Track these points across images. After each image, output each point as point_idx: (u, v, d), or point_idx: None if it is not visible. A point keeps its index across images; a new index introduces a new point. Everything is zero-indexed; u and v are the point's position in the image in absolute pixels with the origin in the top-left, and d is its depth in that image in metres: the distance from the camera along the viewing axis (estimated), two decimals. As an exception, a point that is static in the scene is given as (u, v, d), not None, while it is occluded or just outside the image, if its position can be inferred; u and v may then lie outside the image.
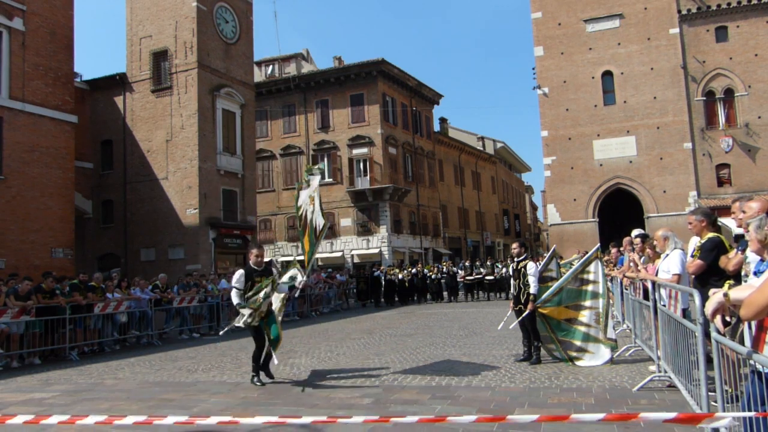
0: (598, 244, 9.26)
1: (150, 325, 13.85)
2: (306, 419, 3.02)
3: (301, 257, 8.21)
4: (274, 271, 7.93)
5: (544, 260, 10.20)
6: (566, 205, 33.39)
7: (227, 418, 3.14)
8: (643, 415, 2.46)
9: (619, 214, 32.37)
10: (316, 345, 11.58)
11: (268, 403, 6.44)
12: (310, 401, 6.43)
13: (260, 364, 7.56)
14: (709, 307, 3.00)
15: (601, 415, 2.46)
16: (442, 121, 47.66)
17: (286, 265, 8.27)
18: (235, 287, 7.49)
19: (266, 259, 8.10)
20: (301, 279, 8.05)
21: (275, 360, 7.78)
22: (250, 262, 7.72)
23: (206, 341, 13.62)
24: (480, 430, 5.01)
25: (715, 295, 3.06)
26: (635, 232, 9.22)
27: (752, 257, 4.02)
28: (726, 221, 20.13)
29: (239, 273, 7.57)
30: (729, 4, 31.21)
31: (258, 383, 7.40)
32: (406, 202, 35.88)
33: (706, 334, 4.22)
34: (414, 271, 24.31)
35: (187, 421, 3.22)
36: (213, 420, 3.06)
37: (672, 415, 2.36)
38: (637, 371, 7.19)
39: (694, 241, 6.39)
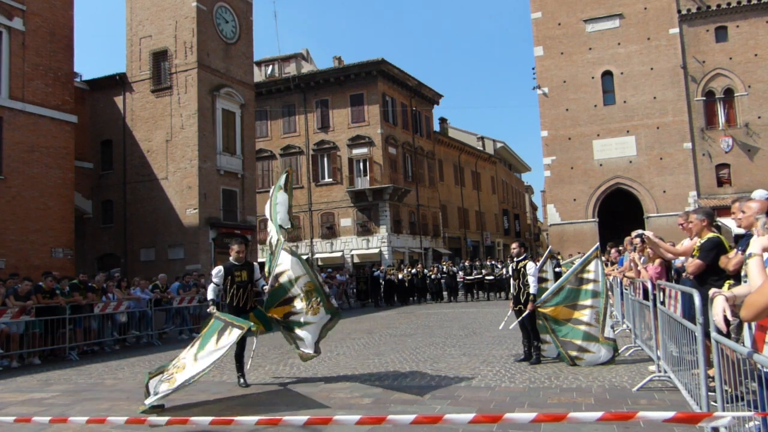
0: (597, 244, 9.26)
1: (150, 325, 13.86)
2: (301, 418, 3.02)
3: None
4: (256, 265, 7.89)
5: (540, 261, 10.22)
6: (566, 205, 33.39)
7: (223, 418, 3.14)
8: (641, 414, 2.46)
9: (619, 214, 32.37)
10: (316, 345, 11.57)
11: (267, 403, 6.45)
12: (310, 401, 6.43)
13: (242, 363, 7.55)
14: (717, 312, 2.99)
15: (598, 414, 2.47)
16: (442, 121, 47.66)
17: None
18: (213, 282, 7.50)
19: (262, 260, 8.11)
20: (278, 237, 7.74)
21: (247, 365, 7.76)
22: (231, 257, 7.72)
23: (206, 341, 13.60)
24: (480, 430, 5.01)
25: (718, 298, 3.07)
26: (636, 233, 9.22)
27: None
28: (726, 221, 20.13)
29: (218, 268, 7.58)
30: (729, 4, 31.21)
31: (243, 385, 7.37)
32: (405, 202, 35.87)
33: (706, 334, 4.23)
34: (414, 271, 24.32)
35: (181, 420, 3.23)
36: (207, 419, 3.06)
37: (670, 414, 2.36)
38: (637, 371, 7.19)
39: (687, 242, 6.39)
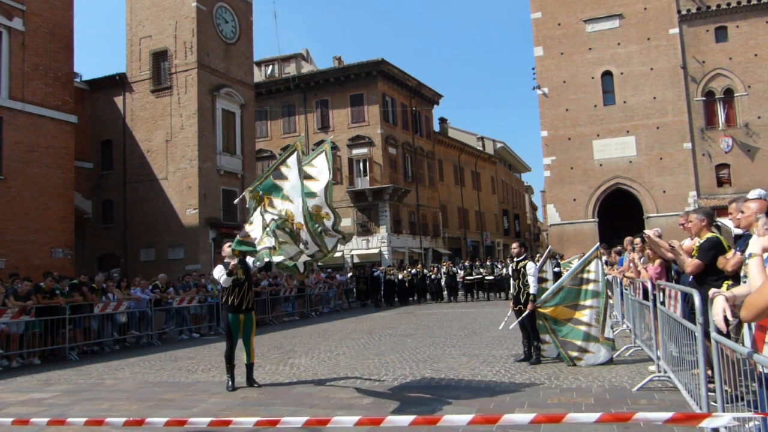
0: (598, 244, 9.27)
1: (150, 325, 13.85)
2: (299, 419, 3.02)
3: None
4: (248, 260, 7.59)
5: (540, 261, 10.22)
6: (566, 205, 33.38)
7: (220, 418, 3.14)
8: (640, 414, 2.46)
9: (619, 214, 32.36)
10: (316, 345, 11.58)
11: (267, 403, 6.44)
12: (310, 401, 6.43)
13: (233, 364, 7.45)
14: (717, 313, 2.99)
15: (596, 415, 2.46)
16: (442, 121, 47.66)
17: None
18: (223, 275, 7.46)
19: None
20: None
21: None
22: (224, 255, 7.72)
23: (206, 341, 13.62)
24: (479, 430, 5.01)
25: (718, 299, 3.06)
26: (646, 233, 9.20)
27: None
28: (726, 221, 20.12)
29: (219, 266, 7.62)
30: (729, 4, 31.20)
31: (230, 388, 7.25)
32: (405, 202, 35.87)
33: (706, 334, 4.23)
34: (414, 271, 24.31)
35: (179, 421, 3.23)
36: (205, 420, 3.06)
37: (669, 415, 2.36)
38: (637, 371, 7.19)
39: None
